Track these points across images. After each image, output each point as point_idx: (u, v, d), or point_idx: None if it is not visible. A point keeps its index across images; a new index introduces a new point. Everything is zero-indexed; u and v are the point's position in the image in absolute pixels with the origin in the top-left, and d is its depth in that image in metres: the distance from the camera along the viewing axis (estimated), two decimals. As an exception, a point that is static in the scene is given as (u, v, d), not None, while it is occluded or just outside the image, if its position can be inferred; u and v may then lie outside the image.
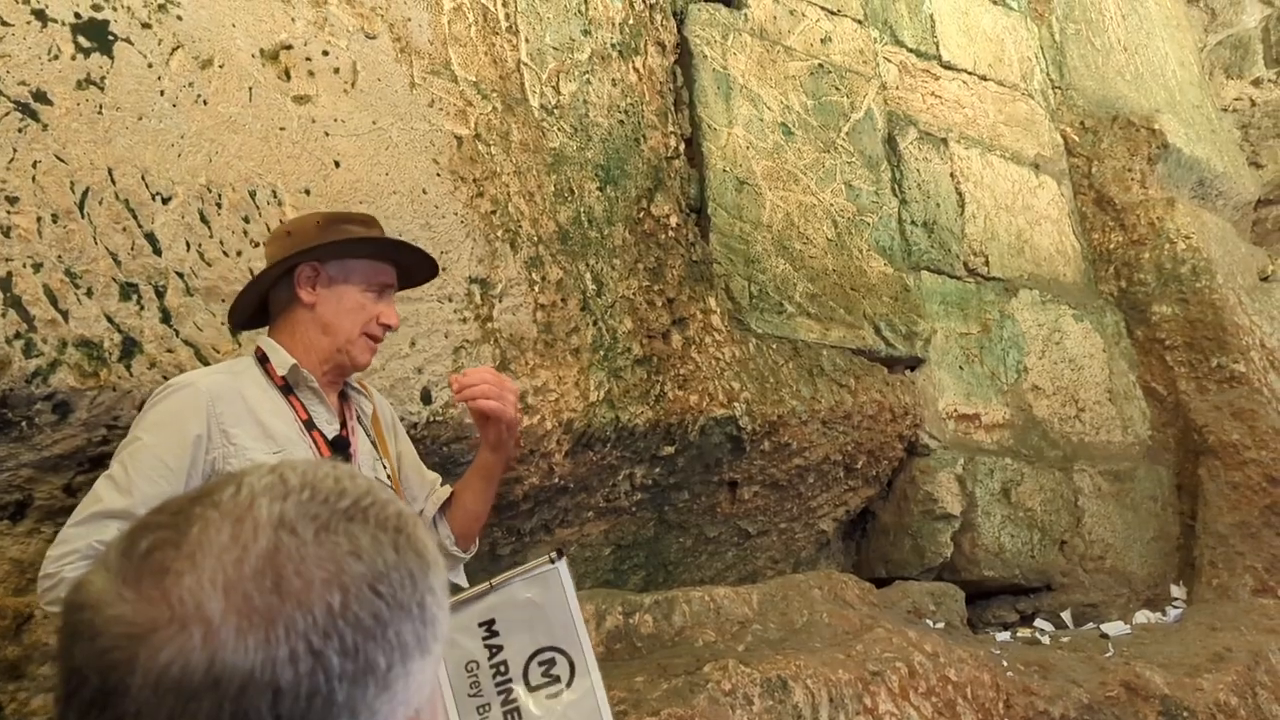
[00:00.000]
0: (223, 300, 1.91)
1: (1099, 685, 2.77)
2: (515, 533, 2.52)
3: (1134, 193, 4.30)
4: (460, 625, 1.62)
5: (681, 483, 2.83)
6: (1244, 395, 3.88)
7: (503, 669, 1.64)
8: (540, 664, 1.63)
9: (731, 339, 2.86)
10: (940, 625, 2.97)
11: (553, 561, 1.67)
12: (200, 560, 0.49)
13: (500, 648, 1.65)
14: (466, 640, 1.63)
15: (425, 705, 0.54)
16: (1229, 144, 5.13)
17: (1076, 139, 4.42)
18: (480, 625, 1.66)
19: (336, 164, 2.19)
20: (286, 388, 1.55)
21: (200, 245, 1.96)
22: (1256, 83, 5.21)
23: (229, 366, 1.62)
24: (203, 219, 1.98)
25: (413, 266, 1.72)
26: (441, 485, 1.79)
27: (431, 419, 2.22)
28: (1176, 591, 3.89)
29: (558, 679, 1.62)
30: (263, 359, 1.58)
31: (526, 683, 1.62)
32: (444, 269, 2.32)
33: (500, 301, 2.39)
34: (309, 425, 1.53)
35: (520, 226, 2.48)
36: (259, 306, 1.65)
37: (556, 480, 2.51)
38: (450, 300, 2.31)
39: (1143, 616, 3.64)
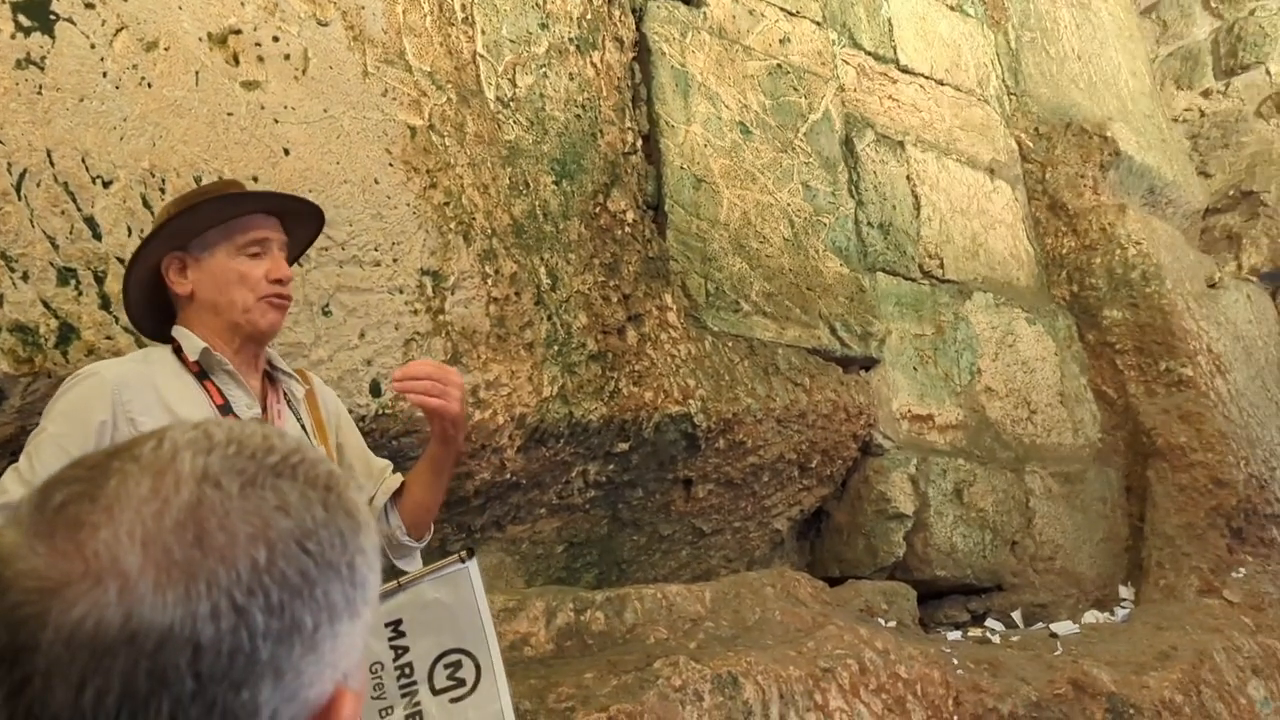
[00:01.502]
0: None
1: (1047, 683, 2.79)
2: (466, 529, 2.49)
3: (1086, 199, 4.36)
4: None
5: (635, 480, 2.81)
6: (1191, 399, 3.94)
7: (408, 671, 1.57)
8: (446, 666, 1.57)
9: (687, 336, 2.85)
10: (892, 624, 2.98)
11: (463, 561, 1.61)
12: (117, 513, 0.47)
13: (406, 649, 1.58)
14: (372, 641, 1.57)
15: (354, 670, 0.53)
16: (1179, 153, 5.22)
17: (1031, 145, 4.48)
18: (387, 625, 1.60)
19: (286, 151, 2.15)
20: (202, 373, 1.51)
21: (143, 230, 1.91)
22: (1206, 94, 5.31)
23: (144, 355, 1.58)
24: (145, 204, 1.93)
25: (298, 215, 1.64)
26: (393, 473, 1.75)
27: (381, 412, 2.18)
28: (1124, 592, 3.94)
29: (463, 682, 1.57)
30: (177, 348, 1.54)
31: (431, 686, 1.57)
32: (395, 260, 2.29)
33: (452, 294, 2.37)
34: (224, 410, 1.48)
35: (474, 219, 2.45)
36: (164, 305, 1.59)
37: (508, 476, 2.48)
38: (401, 292, 2.28)
39: (1091, 616, 3.68)
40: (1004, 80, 4.54)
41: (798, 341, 3.18)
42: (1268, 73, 5.05)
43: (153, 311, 1.59)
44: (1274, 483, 4.03)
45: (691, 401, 2.77)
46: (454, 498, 2.35)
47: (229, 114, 2.09)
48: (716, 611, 2.62)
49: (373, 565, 0.53)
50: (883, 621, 2.95)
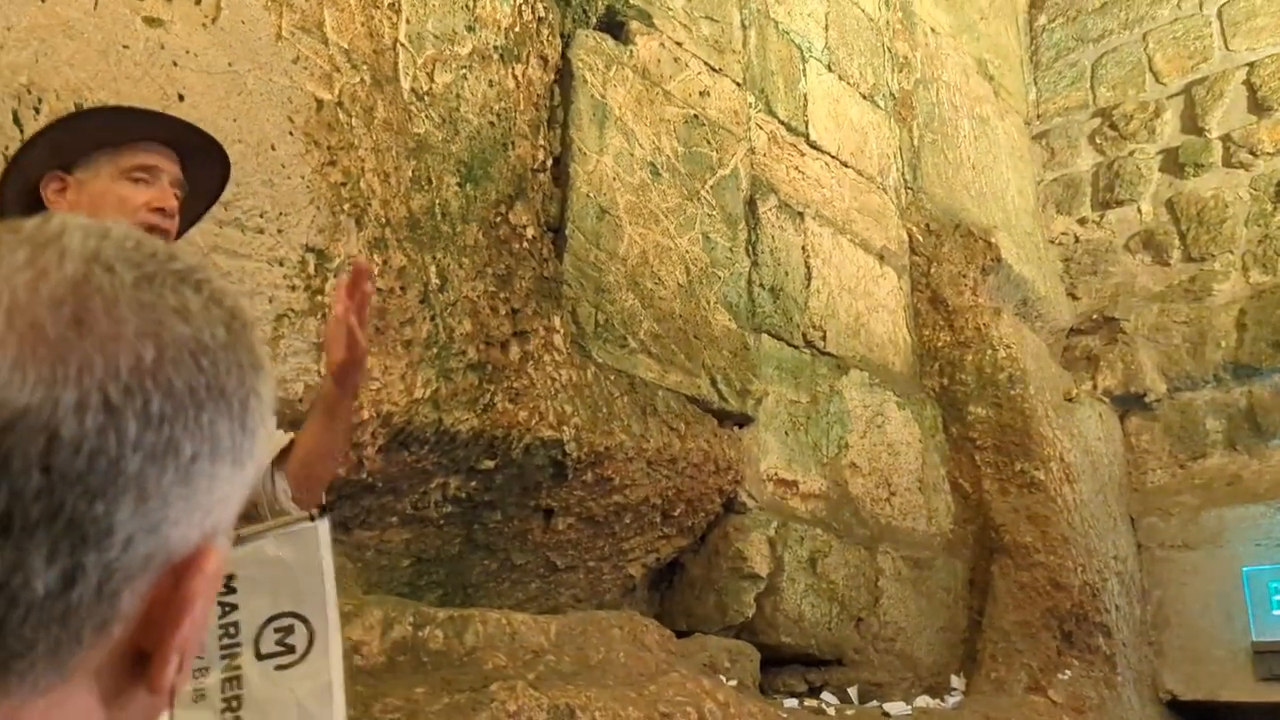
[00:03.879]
0: (21, 209, 1.71)
1: (878, 758, 2.79)
2: (310, 525, 2.35)
3: (966, 298, 4.53)
4: None
5: (496, 502, 2.72)
6: (1041, 501, 4.08)
7: (232, 631, 1.41)
8: (277, 630, 1.42)
9: (571, 362, 2.80)
10: (733, 683, 2.94)
11: (312, 519, 1.45)
12: None
13: (234, 607, 1.41)
14: None
15: (224, 528, 0.46)
16: (1052, 273, 5.50)
17: (921, 239, 4.64)
18: None
19: (181, 97, 2.03)
20: None
21: (7, 148, 1.76)
22: (1082, 221, 5.62)
23: None
24: (15, 120, 1.78)
25: (199, 155, 1.51)
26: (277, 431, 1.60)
27: (239, 385, 2.05)
28: (956, 682, 4.01)
29: (292, 649, 1.42)
30: None
31: (257, 650, 1.41)
32: (280, 231, 2.18)
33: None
34: None
35: (369, 205, 2.36)
36: None
37: (365, 476, 2.36)
38: (282, 265, 2.16)
39: (923, 701, 3.72)
40: (903, 173, 4.71)
41: (679, 387, 3.16)
42: (1139, 210, 5.39)
43: None
44: (1105, 593, 4.19)
45: (566, 428, 2.71)
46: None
47: (125, 46, 1.96)
48: (560, 646, 2.54)
49: (265, 418, 0.47)
50: (724, 679, 2.91)
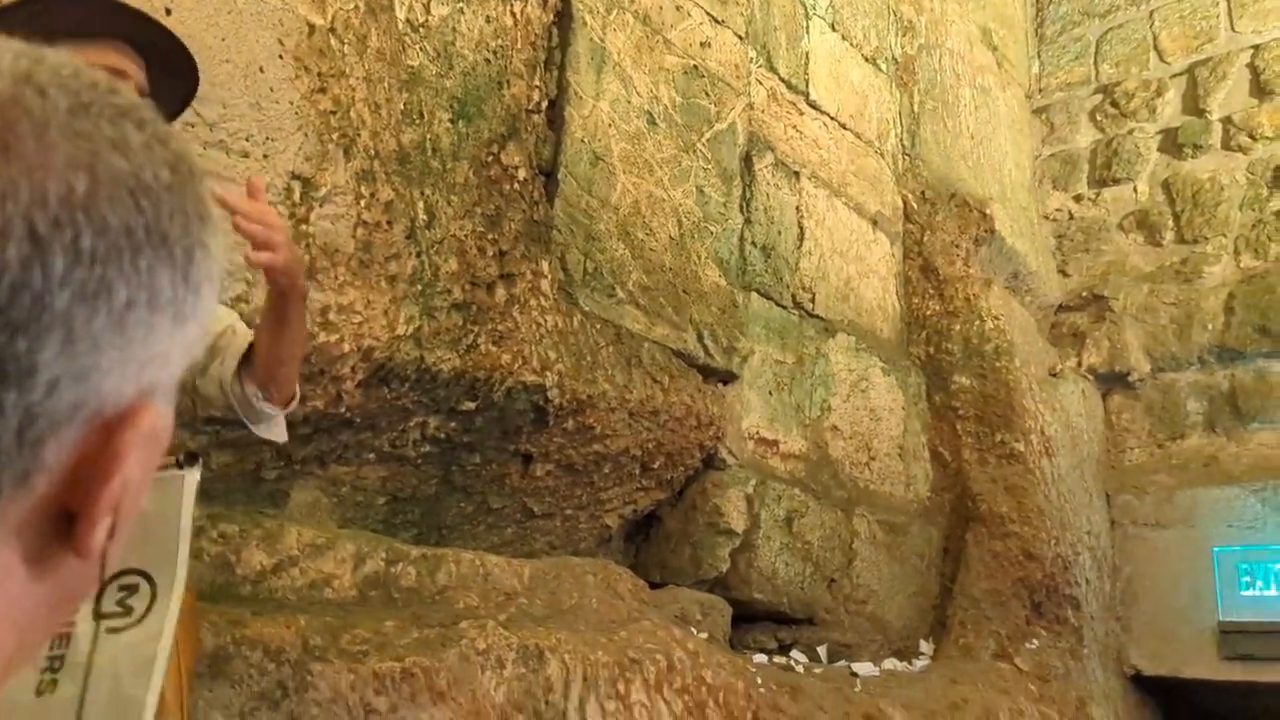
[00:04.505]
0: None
1: (843, 715, 2.82)
2: (286, 457, 2.33)
3: (957, 268, 4.52)
4: None
5: (475, 444, 2.71)
6: (1019, 473, 4.10)
7: None
8: (121, 589, 1.27)
9: (557, 309, 2.77)
10: (704, 635, 2.95)
11: (180, 467, 1.32)
12: None
13: None
14: None
15: (164, 390, 0.43)
16: (1044, 248, 5.49)
17: (915, 206, 4.61)
18: None
19: (168, 11, 1.98)
20: None
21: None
22: (1078, 198, 5.60)
23: None
24: (-4, 24, 1.73)
25: (167, 63, 1.42)
26: (238, 334, 1.53)
27: (221, 303, 2.02)
28: (925, 647, 4.04)
29: (130, 611, 1.26)
30: None
31: (97, 608, 1.27)
32: (266, 156, 2.14)
33: (321, 206, 2.22)
34: None
35: (359, 135, 2.32)
36: None
37: (343, 410, 2.34)
38: (267, 190, 2.12)
39: (890, 664, 3.75)
40: (901, 140, 4.68)
41: (665, 340, 3.14)
42: (1135, 190, 5.37)
43: None
44: (1076, 566, 4.23)
45: (549, 374, 2.69)
46: (280, 421, 2.19)
47: (112, -45, 1.91)
48: (533, 590, 2.54)
49: (212, 276, 0.44)
50: (695, 630, 2.92)
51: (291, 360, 1.52)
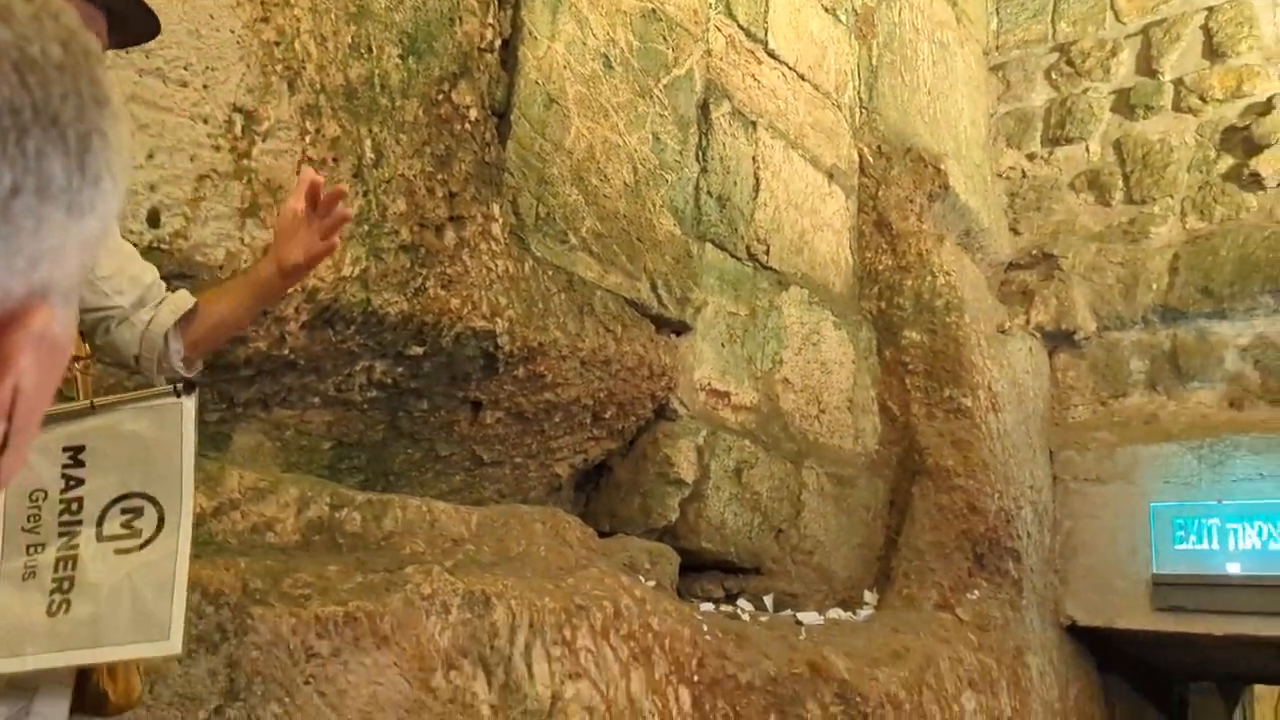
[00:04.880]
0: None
1: (787, 662, 2.85)
2: (228, 400, 2.28)
3: (911, 223, 4.52)
4: (40, 445, 1.29)
5: (423, 390, 2.67)
6: (966, 428, 4.15)
7: (75, 507, 1.32)
8: (125, 512, 1.33)
9: (509, 253, 2.73)
10: (652, 583, 2.96)
11: (178, 395, 1.37)
12: None
13: (80, 481, 1.33)
14: (42, 463, 1.32)
15: (61, 289, 0.39)
16: (996, 206, 5.52)
17: (871, 160, 4.60)
18: (65, 450, 1.33)
19: (101, -71, 1.88)
20: None
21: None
22: (1031, 157, 5.63)
23: None
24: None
25: (126, 20, 1.40)
26: (177, 291, 1.50)
27: (155, 245, 1.95)
28: (869, 597, 4.11)
29: (138, 533, 1.33)
30: None
31: (99, 530, 1.33)
32: (206, 86, 2.06)
33: (264, 141, 2.15)
34: None
35: (304, 68, 2.24)
36: None
37: (287, 352, 2.29)
38: (206, 121, 2.05)
39: (835, 613, 3.81)
40: (859, 92, 4.65)
41: (618, 289, 3.11)
42: (1087, 150, 5.41)
43: None
44: (1018, 520, 4.30)
45: (499, 320, 2.66)
46: (220, 362, 2.13)
47: None
48: (480, 537, 2.52)
49: (113, 170, 0.40)
50: (643, 579, 2.93)
51: (233, 333, 1.56)
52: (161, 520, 1.32)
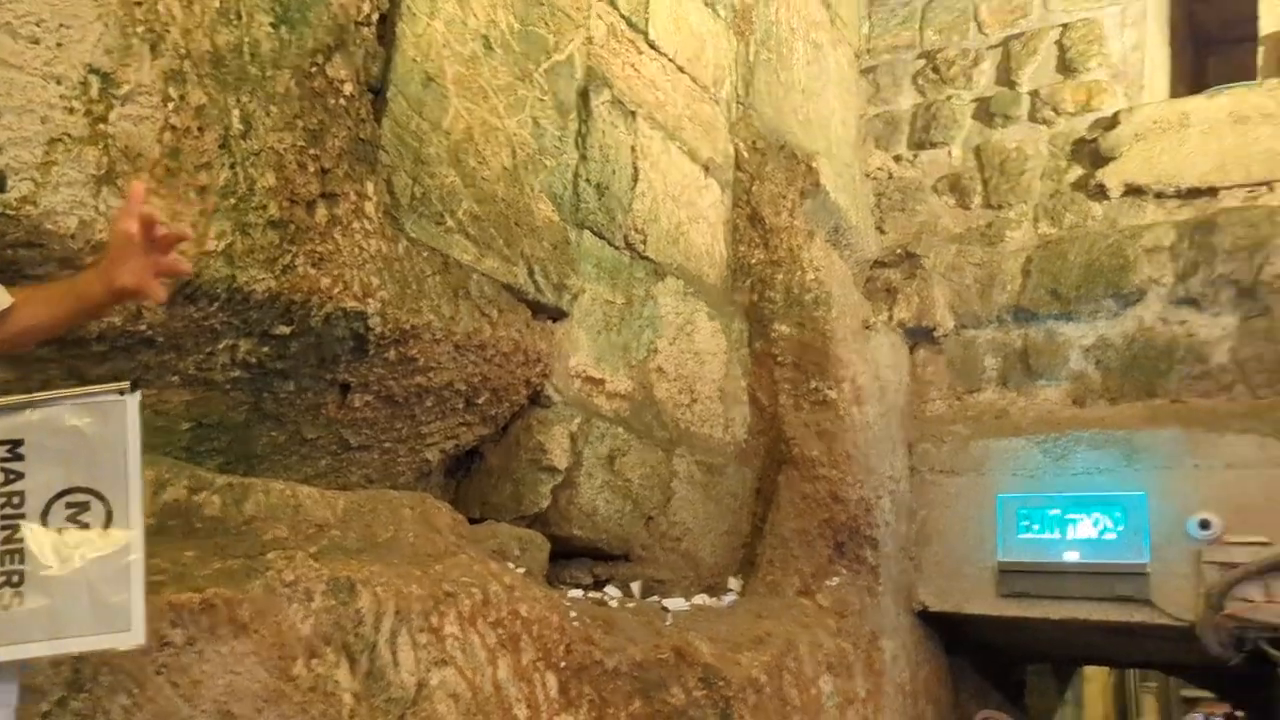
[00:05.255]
0: None
1: (653, 647, 2.89)
2: (78, 376, 2.16)
3: (783, 219, 4.63)
4: None
5: (289, 371, 2.59)
6: (830, 419, 4.28)
7: (16, 501, 1.35)
8: (69, 506, 1.37)
9: (382, 233, 2.67)
10: (521, 570, 2.96)
11: (122, 394, 1.42)
12: None
13: (20, 475, 1.35)
14: None
15: None
16: (864, 205, 5.70)
17: (746, 155, 4.68)
18: (3, 444, 1.36)
19: None
20: None
21: None
22: (898, 159, 5.83)
23: None
24: None
25: None
26: None
27: (1, 211, 1.83)
28: (733, 583, 4.20)
29: (86, 526, 1.37)
30: None
31: (44, 523, 1.36)
32: (59, 45, 1.96)
33: (123, 106, 2.04)
34: None
35: (168, 31, 2.14)
36: None
37: (144, 328, 2.18)
38: (59, 82, 1.93)
39: (701, 599, 3.88)
40: (736, 88, 4.72)
41: (494, 273, 3.08)
42: (950, 154, 5.64)
43: None
44: (877, 510, 4.47)
45: (371, 301, 2.60)
46: (71, 337, 2.02)
47: None
48: (347, 522, 2.47)
49: None
50: (513, 566, 2.92)
51: (46, 337, 1.54)
52: (110, 514, 1.36)
